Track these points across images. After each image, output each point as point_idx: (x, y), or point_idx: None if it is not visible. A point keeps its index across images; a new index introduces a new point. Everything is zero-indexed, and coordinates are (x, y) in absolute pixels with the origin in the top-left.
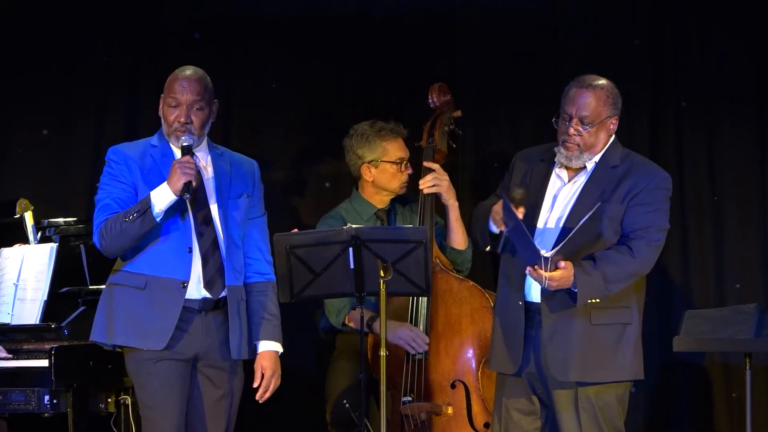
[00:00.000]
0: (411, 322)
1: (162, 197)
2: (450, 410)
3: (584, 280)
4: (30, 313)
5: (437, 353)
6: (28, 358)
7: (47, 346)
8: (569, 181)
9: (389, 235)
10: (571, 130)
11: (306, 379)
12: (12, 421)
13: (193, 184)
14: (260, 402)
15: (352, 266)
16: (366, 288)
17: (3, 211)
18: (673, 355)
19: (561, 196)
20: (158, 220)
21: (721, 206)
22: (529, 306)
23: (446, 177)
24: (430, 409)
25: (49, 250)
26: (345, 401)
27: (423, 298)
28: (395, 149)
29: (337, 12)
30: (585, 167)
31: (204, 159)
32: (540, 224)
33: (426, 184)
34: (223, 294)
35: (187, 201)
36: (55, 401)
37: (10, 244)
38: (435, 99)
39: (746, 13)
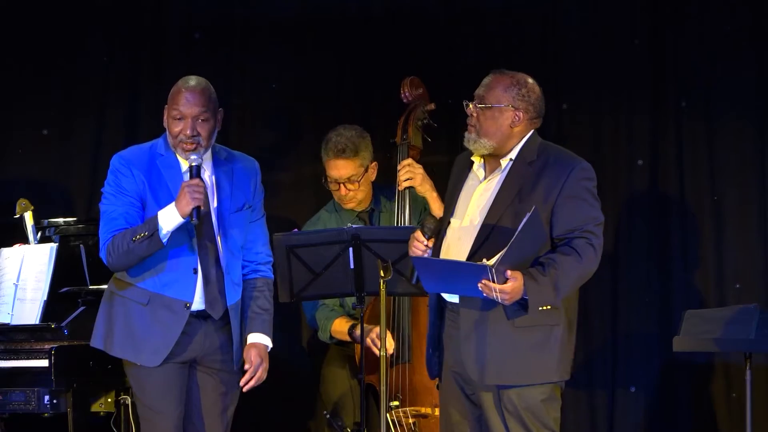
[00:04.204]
0: (393, 322)
1: (170, 220)
2: (437, 411)
3: (534, 288)
4: (30, 313)
5: (421, 355)
6: (28, 358)
7: (47, 346)
8: (485, 179)
9: (389, 235)
10: (469, 108)
11: (302, 377)
12: (12, 421)
13: (202, 208)
14: (244, 391)
15: (352, 266)
16: (366, 288)
17: (3, 211)
18: (673, 355)
19: (477, 194)
20: (165, 241)
21: (721, 206)
22: (447, 305)
23: (420, 169)
24: (416, 412)
25: (49, 250)
26: (326, 412)
27: (404, 298)
28: (329, 168)
29: (337, 11)
30: (500, 165)
31: (209, 170)
32: (455, 224)
33: (399, 179)
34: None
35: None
36: (55, 401)
37: (10, 244)
38: (407, 93)
39: (746, 12)
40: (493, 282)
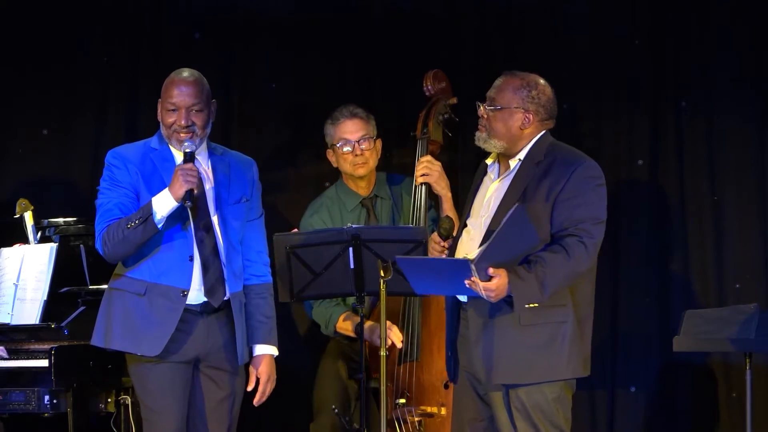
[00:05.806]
0: (403, 322)
1: (163, 204)
2: (444, 411)
3: (518, 285)
4: (30, 313)
5: (429, 353)
6: (27, 358)
7: (47, 346)
8: (497, 179)
9: (389, 235)
10: (480, 110)
11: (301, 377)
12: (12, 421)
13: (195, 191)
14: (256, 406)
15: (352, 266)
16: (366, 288)
17: (3, 211)
18: (673, 355)
19: (489, 194)
20: (160, 227)
21: (721, 206)
22: (461, 306)
23: (438, 166)
24: (422, 411)
25: (49, 250)
26: (334, 407)
27: (415, 297)
28: (341, 131)
29: (338, 10)
30: (510, 166)
31: (204, 162)
32: (470, 223)
33: (417, 173)
34: (226, 298)
35: (188, 208)
36: (55, 401)
37: (10, 244)
38: (429, 86)
39: (746, 12)
40: (478, 279)
